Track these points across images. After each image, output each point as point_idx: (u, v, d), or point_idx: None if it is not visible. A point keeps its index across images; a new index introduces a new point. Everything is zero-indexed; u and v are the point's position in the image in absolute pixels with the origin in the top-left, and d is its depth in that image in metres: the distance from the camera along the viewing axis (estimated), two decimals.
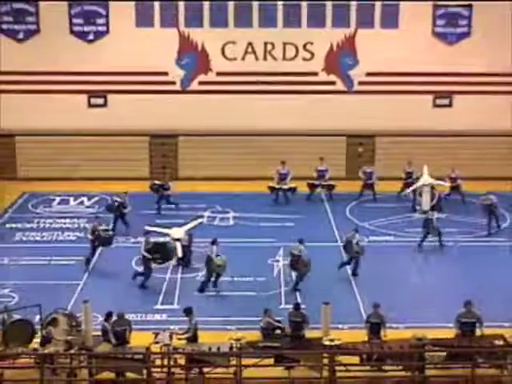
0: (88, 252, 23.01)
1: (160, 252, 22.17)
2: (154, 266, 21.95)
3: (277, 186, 28.80)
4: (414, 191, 27.90)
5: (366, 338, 17.49)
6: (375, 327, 17.61)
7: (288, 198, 28.87)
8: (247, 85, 31.41)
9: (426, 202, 27.23)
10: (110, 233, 23.62)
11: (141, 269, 22.16)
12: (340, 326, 18.25)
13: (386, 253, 23.57)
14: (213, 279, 21.66)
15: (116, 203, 25.84)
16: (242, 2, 31.04)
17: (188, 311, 17.81)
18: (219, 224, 27.05)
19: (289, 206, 28.39)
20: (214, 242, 22.04)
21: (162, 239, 22.92)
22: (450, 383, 13.07)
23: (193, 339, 17.43)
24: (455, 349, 16.67)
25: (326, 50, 31.88)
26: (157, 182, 28.09)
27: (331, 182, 29.26)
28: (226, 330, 18.38)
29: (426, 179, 27.48)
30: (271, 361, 16.68)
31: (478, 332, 17.30)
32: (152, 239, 22.30)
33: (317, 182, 29.25)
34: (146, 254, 21.80)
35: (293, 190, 28.87)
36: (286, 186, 28.75)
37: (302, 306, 20.00)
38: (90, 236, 23.14)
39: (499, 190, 27.15)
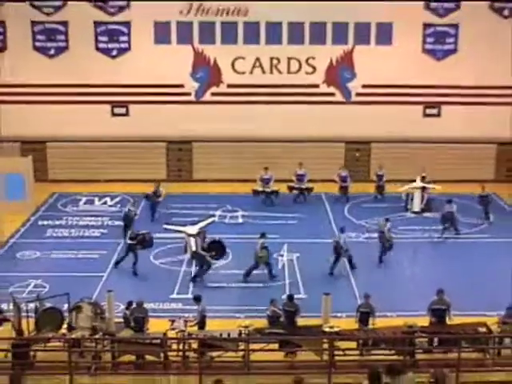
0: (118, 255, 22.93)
1: (216, 249, 22.23)
2: (212, 261, 22.00)
3: (260, 190, 28.63)
4: (406, 193, 27.99)
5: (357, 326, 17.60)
6: (365, 316, 17.66)
7: (272, 201, 28.60)
8: (255, 96, 31.37)
9: (416, 203, 27.31)
10: (152, 234, 23.23)
11: (195, 267, 22.17)
12: (339, 314, 18.26)
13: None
14: (265, 271, 21.86)
15: (132, 212, 25.41)
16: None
17: (197, 299, 17.91)
18: (229, 222, 27.02)
19: (292, 206, 28.32)
20: (262, 236, 22.14)
21: (216, 237, 22.87)
22: (438, 366, 13.08)
23: (201, 325, 17.53)
24: (443, 335, 16.81)
25: (326, 65, 31.82)
26: (149, 193, 27.28)
27: (309, 185, 29.08)
28: (236, 318, 18.45)
29: (417, 183, 27.55)
30: (276, 346, 16.77)
31: (447, 319, 17.45)
32: (207, 239, 22.29)
33: (296, 186, 29.07)
34: (203, 252, 21.84)
35: (275, 193, 28.65)
36: (268, 190, 28.55)
37: (305, 296, 20.23)
38: (130, 241, 22.42)
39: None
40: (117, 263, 22.68)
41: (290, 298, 18.14)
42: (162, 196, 27.20)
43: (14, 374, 12.28)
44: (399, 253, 23.68)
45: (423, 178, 28.22)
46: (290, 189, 29.12)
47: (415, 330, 16.95)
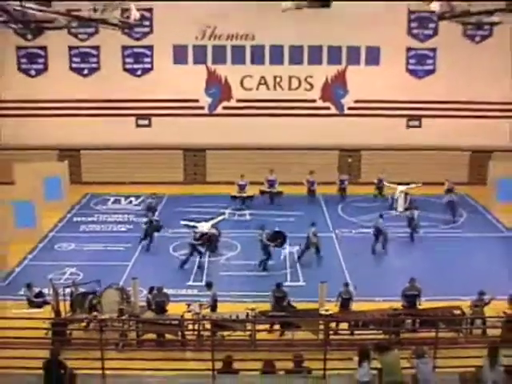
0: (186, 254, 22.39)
1: (279, 238, 22.16)
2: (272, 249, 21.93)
3: (237, 195, 28.09)
4: (392, 196, 27.99)
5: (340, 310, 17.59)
6: (346, 302, 17.70)
7: (246, 204, 28.03)
8: (261, 109, 31.47)
9: (400, 204, 27.26)
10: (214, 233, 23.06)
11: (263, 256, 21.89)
12: (333, 299, 18.24)
13: (370, 242, 23.52)
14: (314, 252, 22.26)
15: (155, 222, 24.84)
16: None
17: (208, 285, 17.99)
18: (238, 219, 27.01)
19: (292, 206, 27.99)
20: (313, 224, 22.60)
21: (277, 228, 22.72)
22: (418, 344, 13.13)
23: (213, 308, 17.59)
24: (423, 317, 16.86)
25: (322, 82, 31.87)
26: (152, 201, 26.43)
27: (279, 190, 28.46)
28: (243, 302, 18.44)
29: (401, 187, 27.55)
30: (278, 326, 16.84)
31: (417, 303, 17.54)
32: (267, 230, 22.14)
33: (267, 190, 28.48)
34: (268, 242, 21.75)
35: (250, 197, 28.18)
36: (244, 195, 28.07)
37: (303, 284, 20.24)
38: (194, 241, 22.12)
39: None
40: (183, 264, 22.05)
41: (278, 285, 18.09)
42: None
43: (54, 349, 12.36)
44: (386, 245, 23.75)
45: (380, 181, 28.50)
46: (262, 192, 28.50)
47: (400, 313, 17.00)
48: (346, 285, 17.96)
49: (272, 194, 28.59)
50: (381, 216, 23.79)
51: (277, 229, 22.63)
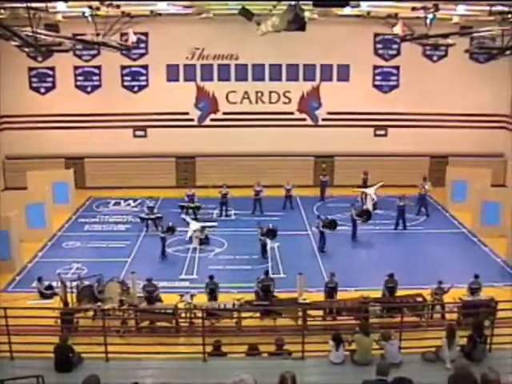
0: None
1: (273, 234, 22.20)
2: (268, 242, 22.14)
3: (185, 205, 26.85)
4: (365, 196, 27.98)
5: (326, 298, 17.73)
6: (331, 290, 17.78)
7: (195, 214, 26.81)
8: (244, 121, 31.45)
9: (369, 204, 27.28)
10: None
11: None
12: (310, 289, 18.37)
13: (342, 238, 23.63)
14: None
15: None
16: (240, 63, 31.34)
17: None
18: (224, 219, 26.95)
19: (273, 206, 27.74)
20: (318, 217, 23.50)
21: (271, 225, 22.61)
22: (385, 328, 13.24)
23: (212, 297, 17.70)
24: (390, 304, 17.01)
25: (299, 97, 31.93)
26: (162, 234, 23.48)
27: (198, 204, 27.04)
28: (230, 293, 18.52)
29: (370, 189, 27.62)
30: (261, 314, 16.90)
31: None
32: (263, 226, 22.31)
33: (185, 204, 27.00)
34: (262, 237, 22.03)
35: (198, 208, 26.86)
36: (192, 205, 26.75)
37: (284, 276, 20.28)
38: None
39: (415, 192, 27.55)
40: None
41: (266, 273, 18.35)
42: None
43: (63, 336, 12.37)
44: (357, 241, 23.84)
45: (364, 181, 28.70)
46: (181, 207, 26.93)
47: (369, 301, 17.12)
48: (332, 274, 17.99)
49: (190, 208, 26.93)
50: (352, 205, 24.57)
51: (270, 226, 22.54)
